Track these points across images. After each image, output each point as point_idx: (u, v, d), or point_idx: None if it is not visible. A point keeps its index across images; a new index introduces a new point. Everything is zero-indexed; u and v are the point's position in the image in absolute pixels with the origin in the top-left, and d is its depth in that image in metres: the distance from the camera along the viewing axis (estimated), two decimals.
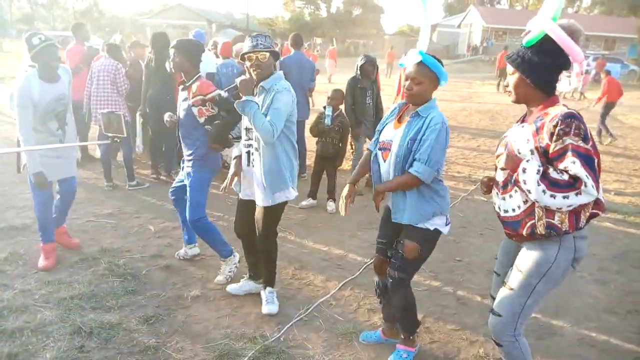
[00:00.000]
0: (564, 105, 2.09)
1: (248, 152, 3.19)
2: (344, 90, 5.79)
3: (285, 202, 3.21)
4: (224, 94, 3.61)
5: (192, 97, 3.52)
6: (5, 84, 15.21)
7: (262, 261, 3.35)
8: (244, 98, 2.95)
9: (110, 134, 3.98)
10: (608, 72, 10.57)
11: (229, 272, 3.73)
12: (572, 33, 2.05)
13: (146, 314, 3.20)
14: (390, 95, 10.72)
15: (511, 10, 48.94)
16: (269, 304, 3.32)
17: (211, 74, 6.05)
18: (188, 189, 3.62)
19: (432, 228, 2.60)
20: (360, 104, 5.91)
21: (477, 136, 10.28)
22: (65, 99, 3.73)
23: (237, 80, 3.03)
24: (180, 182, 3.81)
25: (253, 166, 3.16)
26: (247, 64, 3.03)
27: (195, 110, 3.54)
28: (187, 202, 3.61)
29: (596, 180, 1.94)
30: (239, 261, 3.82)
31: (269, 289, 3.37)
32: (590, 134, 2.02)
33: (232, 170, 3.33)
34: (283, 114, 2.95)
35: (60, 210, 4.05)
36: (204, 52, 3.77)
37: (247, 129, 3.16)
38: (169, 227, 4.68)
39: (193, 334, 3.06)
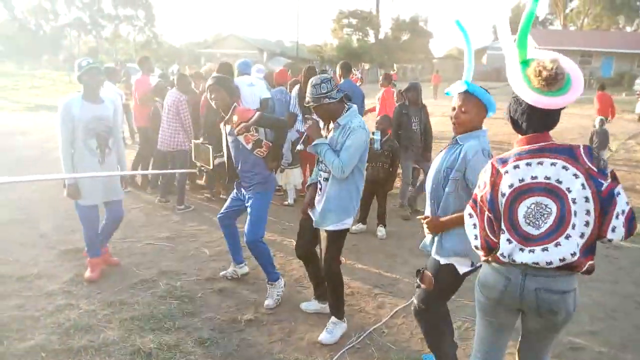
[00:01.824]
0: None
1: (319, 180, 3.28)
2: (397, 120, 5.91)
3: (347, 230, 3.26)
4: (264, 114, 3.76)
5: (236, 127, 3.64)
6: None
7: (328, 289, 3.39)
8: (314, 142, 3.12)
9: (198, 163, 4.13)
10: None
11: (277, 295, 3.78)
12: None
13: (202, 336, 3.27)
14: (441, 116, 10.60)
15: (564, 31, 47.64)
16: (326, 333, 3.32)
17: (266, 100, 6.22)
18: (250, 210, 3.73)
19: (445, 262, 2.52)
20: (406, 130, 5.94)
21: None
22: (106, 121, 3.92)
23: (305, 128, 3.22)
24: (231, 207, 3.96)
25: (323, 194, 3.24)
26: (314, 115, 3.26)
27: (242, 138, 3.66)
28: (248, 224, 3.72)
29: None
30: (284, 285, 3.88)
31: (333, 318, 3.36)
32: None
33: (307, 197, 3.42)
34: (355, 152, 3.04)
35: (104, 232, 4.27)
36: (232, 81, 3.93)
37: (320, 160, 3.27)
38: (223, 250, 4.78)
39: (246, 358, 3.10)
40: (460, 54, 55.03)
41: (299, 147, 3.56)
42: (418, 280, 2.64)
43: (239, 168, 3.76)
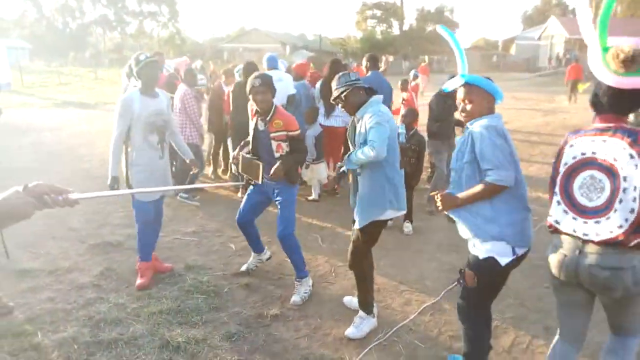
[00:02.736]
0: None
1: (355, 177, 3.28)
2: (429, 104, 5.81)
3: (381, 224, 3.24)
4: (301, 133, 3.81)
5: (275, 130, 3.63)
6: (99, 109, 16.54)
7: (356, 282, 3.38)
8: (343, 167, 3.21)
9: (245, 176, 3.98)
10: None
11: (305, 292, 3.76)
12: None
13: (229, 331, 3.29)
14: None
15: (596, 20, 46.24)
16: (354, 327, 3.30)
17: (292, 96, 6.21)
18: (280, 205, 3.75)
19: (484, 256, 2.47)
20: (445, 121, 5.86)
21: None
22: (164, 115, 3.88)
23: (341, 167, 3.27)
24: (249, 207, 3.95)
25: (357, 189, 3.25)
26: (340, 106, 3.28)
27: (274, 144, 3.65)
28: (280, 218, 3.74)
29: None
30: (312, 285, 3.87)
31: (361, 313, 3.35)
32: None
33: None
34: (380, 129, 3.00)
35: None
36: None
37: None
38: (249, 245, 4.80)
39: (273, 354, 3.10)
40: (488, 45, 54.16)
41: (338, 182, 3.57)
42: (460, 279, 2.60)
43: (265, 161, 3.74)
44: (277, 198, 3.77)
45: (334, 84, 3.25)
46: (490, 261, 2.47)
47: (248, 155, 3.80)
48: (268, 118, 3.66)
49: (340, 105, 3.26)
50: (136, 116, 3.71)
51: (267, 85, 3.59)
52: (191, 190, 6.22)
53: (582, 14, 2.20)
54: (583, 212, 2.13)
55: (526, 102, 17.73)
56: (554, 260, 2.26)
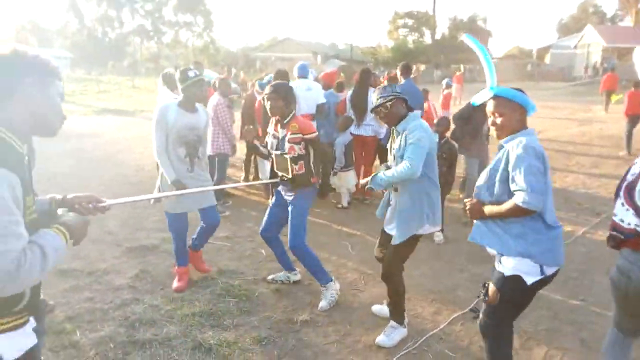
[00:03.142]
0: None
1: (395, 188, 3.29)
2: (461, 111, 5.82)
3: (417, 238, 3.23)
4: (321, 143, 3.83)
5: (292, 134, 3.70)
6: (136, 116, 17.04)
7: (388, 294, 3.39)
8: (372, 182, 3.20)
9: (279, 173, 4.03)
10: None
11: (331, 297, 3.79)
12: None
13: (259, 334, 3.34)
14: None
15: (636, 28, 44.86)
16: (385, 336, 3.31)
17: (322, 105, 6.28)
18: (290, 216, 3.78)
19: (509, 274, 2.41)
20: (476, 127, 5.81)
21: (599, 164, 9.45)
22: (197, 131, 3.89)
23: (366, 185, 3.29)
24: (271, 220, 3.97)
25: (394, 207, 3.27)
26: (377, 117, 3.34)
27: (287, 146, 3.71)
28: (289, 229, 3.78)
29: None
30: (339, 288, 3.89)
31: (393, 322, 3.36)
32: None
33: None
34: (417, 147, 3.01)
35: (199, 235, 4.20)
36: (292, 91, 3.86)
37: (389, 168, 3.29)
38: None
39: (303, 359, 3.13)
40: (522, 53, 53.26)
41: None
42: (483, 295, 2.55)
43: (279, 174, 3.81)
44: (290, 207, 3.80)
45: (377, 93, 3.24)
46: (516, 279, 2.40)
47: (278, 152, 3.82)
48: (285, 122, 3.73)
49: (379, 115, 3.25)
50: (170, 126, 3.76)
51: (277, 93, 3.67)
52: (220, 201, 6.27)
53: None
54: None
55: (562, 112, 17.34)
56: (616, 280, 2.45)
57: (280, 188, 3.92)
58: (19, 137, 1.52)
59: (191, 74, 3.80)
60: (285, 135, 3.73)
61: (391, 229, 3.29)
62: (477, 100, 2.66)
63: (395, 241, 3.21)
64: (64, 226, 1.58)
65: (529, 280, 2.39)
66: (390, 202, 3.33)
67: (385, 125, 6.69)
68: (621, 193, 2.47)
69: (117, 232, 5.36)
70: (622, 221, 2.41)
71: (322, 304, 3.76)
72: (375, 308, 3.73)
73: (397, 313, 3.35)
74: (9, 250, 1.35)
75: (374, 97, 3.35)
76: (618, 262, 2.45)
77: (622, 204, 2.43)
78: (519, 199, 2.28)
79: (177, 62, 49.78)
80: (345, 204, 6.44)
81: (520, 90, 2.51)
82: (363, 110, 6.23)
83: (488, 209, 2.47)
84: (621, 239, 2.40)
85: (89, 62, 49.12)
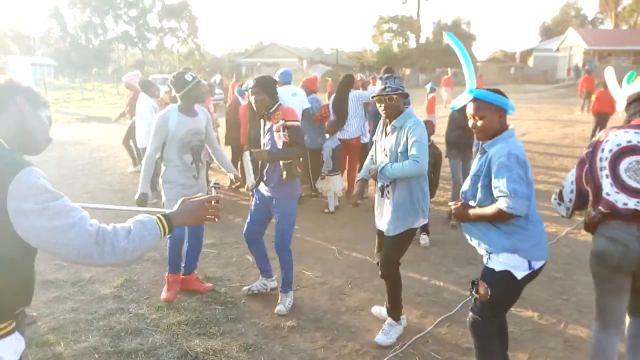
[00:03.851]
0: None
1: (382, 185, 3.32)
2: (450, 115, 5.94)
3: (413, 231, 3.31)
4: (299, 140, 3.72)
5: (276, 122, 3.66)
6: (121, 124, 16.83)
7: (387, 290, 3.41)
8: (379, 171, 3.20)
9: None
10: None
11: (289, 304, 3.80)
12: None
13: (246, 342, 3.33)
14: None
15: (616, 30, 45.73)
16: (382, 334, 3.35)
17: (307, 110, 6.34)
18: (279, 216, 3.76)
19: (500, 269, 2.46)
20: (465, 130, 5.87)
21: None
22: (200, 135, 3.82)
23: (369, 172, 3.30)
24: (255, 221, 3.90)
25: (387, 198, 3.29)
26: (378, 105, 3.26)
27: (276, 135, 3.66)
28: (279, 229, 3.78)
29: None
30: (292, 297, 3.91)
31: (390, 320, 3.40)
32: None
33: (357, 189, 3.51)
34: (423, 144, 3.07)
35: (188, 256, 4.07)
36: (276, 84, 3.84)
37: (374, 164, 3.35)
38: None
39: None
40: (506, 57, 53.90)
41: (363, 176, 3.49)
42: (473, 292, 2.58)
43: (267, 167, 3.74)
44: (276, 209, 3.77)
45: (382, 84, 3.23)
46: (506, 274, 2.45)
47: (287, 162, 3.73)
48: (271, 111, 3.68)
49: (381, 104, 3.21)
50: (171, 134, 3.67)
51: (260, 87, 3.63)
52: None
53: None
54: (634, 192, 2.34)
55: (545, 114, 17.56)
56: (609, 252, 2.41)
57: (262, 188, 3.82)
58: None
59: (188, 77, 3.72)
60: (272, 126, 3.68)
61: (386, 223, 3.29)
62: (456, 104, 2.71)
63: (390, 233, 3.26)
64: (167, 215, 1.66)
65: (519, 275, 2.45)
66: (384, 197, 3.33)
67: (368, 127, 6.77)
68: (607, 172, 2.44)
69: None
70: (616, 202, 2.38)
71: (280, 308, 3.74)
72: (376, 309, 3.74)
73: (395, 310, 3.39)
74: (83, 218, 1.48)
75: (378, 85, 3.29)
76: (606, 234, 2.43)
77: (611, 184, 2.41)
78: (502, 204, 2.33)
79: (162, 68, 49.53)
80: (332, 208, 6.45)
81: (499, 91, 2.54)
82: (344, 114, 6.35)
83: (473, 212, 2.52)
84: (608, 213, 2.40)
85: (73, 69, 48.64)
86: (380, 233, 3.46)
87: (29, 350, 3.13)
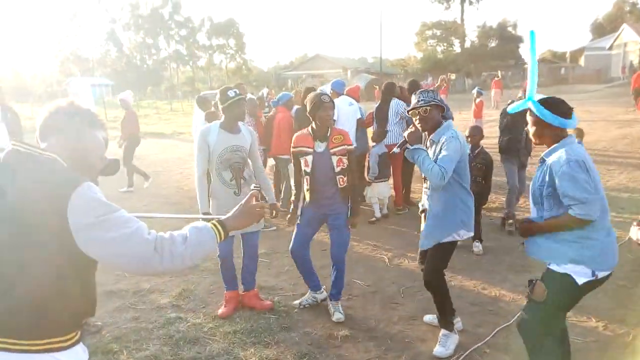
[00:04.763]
0: None
1: (425, 200, 3.34)
2: (500, 117, 5.91)
3: (454, 244, 3.27)
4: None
5: (335, 146, 3.65)
6: (175, 138, 17.52)
7: (434, 301, 3.39)
8: (413, 146, 3.12)
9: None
10: None
11: (343, 310, 3.84)
12: None
13: (300, 351, 3.36)
14: None
15: None
16: (440, 346, 3.31)
17: (361, 119, 6.43)
18: (338, 229, 3.79)
19: (561, 272, 2.40)
20: (514, 135, 5.75)
21: None
22: (242, 152, 3.76)
23: (405, 134, 3.21)
24: (303, 236, 3.89)
25: (428, 213, 3.30)
26: (414, 118, 3.26)
27: (335, 159, 3.65)
28: (338, 243, 3.83)
29: None
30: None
31: (444, 331, 3.36)
32: None
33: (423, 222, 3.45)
34: (452, 158, 3.03)
35: (246, 270, 4.04)
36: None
37: (424, 178, 3.33)
38: (317, 265, 4.87)
39: None
40: (555, 57, 52.03)
41: (395, 150, 3.48)
42: (528, 291, 2.53)
43: (320, 189, 3.71)
44: (335, 222, 3.78)
45: (417, 96, 3.23)
46: (567, 278, 2.39)
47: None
48: (328, 134, 3.67)
49: (416, 117, 3.22)
50: (211, 150, 3.69)
51: (333, 102, 3.67)
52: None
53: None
54: None
55: (599, 115, 16.80)
56: None
57: (313, 208, 3.78)
58: None
59: (231, 93, 3.73)
60: (328, 149, 3.65)
61: (427, 240, 3.29)
62: (513, 108, 2.71)
63: (428, 245, 3.24)
64: (221, 221, 1.72)
65: (580, 280, 2.38)
66: (426, 211, 3.34)
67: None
68: None
69: None
70: None
71: (339, 315, 3.77)
72: (427, 318, 3.71)
73: (446, 321, 3.35)
74: (140, 228, 1.53)
75: (413, 99, 3.30)
76: None
77: None
78: (574, 211, 2.32)
79: (211, 84, 51.04)
80: (378, 215, 6.41)
81: (555, 103, 2.48)
82: (384, 121, 6.42)
83: (544, 224, 2.49)
84: None
85: (129, 88, 50.75)
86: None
87: (95, 358, 3.29)
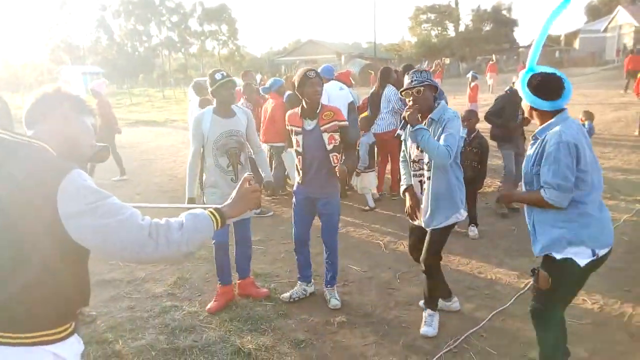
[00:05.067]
0: None
1: (420, 182, 3.27)
2: (491, 109, 5.85)
3: (454, 225, 3.26)
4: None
5: (326, 122, 3.55)
6: (168, 126, 17.38)
7: (427, 284, 3.36)
8: (416, 127, 3.05)
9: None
10: None
11: (338, 296, 3.82)
12: None
13: (297, 338, 3.34)
14: None
15: None
16: (426, 326, 3.32)
17: (352, 103, 6.28)
18: (328, 214, 3.74)
19: (561, 257, 2.38)
20: (508, 119, 5.73)
21: (637, 149, 9.12)
22: (237, 136, 3.67)
23: (405, 114, 3.13)
24: (304, 227, 3.86)
25: (428, 193, 3.22)
26: (407, 99, 3.19)
27: (326, 136, 3.56)
28: (328, 228, 3.78)
29: None
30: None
31: (428, 310, 3.36)
32: None
33: (409, 201, 3.37)
34: (456, 137, 3.02)
35: (240, 257, 3.99)
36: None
37: (414, 161, 3.26)
38: (314, 252, 4.85)
39: None
40: (550, 41, 51.78)
41: (399, 132, 3.30)
42: (533, 281, 2.53)
43: (312, 169, 3.64)
44: (324, 207, 3.71)
45: (408, 79, 3.17)
46: (568, 262, 2.37)
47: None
48: (318, 111, 3.58)
49: (409, 97, 3.14)
50: (206, 136, 3.61)
51: (319, 77, 3.54)
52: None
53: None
54: None
55: (594, 98, 16.78)
56: None
57: (304, 190, 3.74)
58: None
59: (218, 76, 3.62)
60: (318, 127, 3.57)
61: (426, 217, 3.23)
62: (518, 87, 2.64)
63: (432, 226, 3.20)
64: (219, 209, 1.68)
65: (581, 262, 2.37)
66: (423, 192, 3.26)
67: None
68: None
69: None
70: None
71: (335, 302, 3.76)
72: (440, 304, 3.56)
73: (433, 299, 3.37)
74: (133, 214, 1.50)
75: (406, 80, 3.22)
76: None
77: None
78: (545, 194, 2.34)
79: (203, 71, 50.65)
80: (371, 204, 6.37)
81: (547, 81, 2.42)
82: (377, 108, 6.35)
83: (519, 195, 2.60)
84: None
85: (121, 76, 50.40)
86: (415, 230, 3.41)
87: (90, 347, 3.27)
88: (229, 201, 1.74)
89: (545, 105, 2.41)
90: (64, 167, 1.47)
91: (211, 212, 1.65)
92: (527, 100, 2.46)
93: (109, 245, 1.46)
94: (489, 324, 3.44)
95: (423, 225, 3.30)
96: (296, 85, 3.56)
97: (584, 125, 5.48)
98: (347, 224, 5.70)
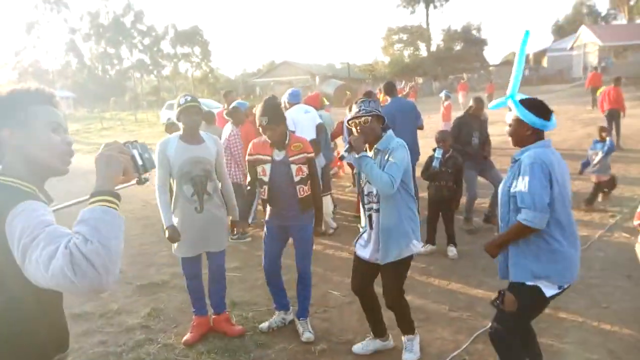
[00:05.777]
0: None
1: (369, 215, 3.15)
2: (453, 124, 6.04)
3: (411, 257, 3.14)
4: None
5: (294, 154, 3.50)
6: None
7: (396, 318, 3.28)
8: (359, 154, 2.96)
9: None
10: None
11: (310, 331, 3.67)
12: None
13: None
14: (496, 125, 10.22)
15: (630, 25, 44.92)
16: (407, 352, 3.25)
17: (321, 125, 6.23)
18: (301, 241, 3.67)
19: (530, 283, 2.44)
20: (464, 143, 5.80)
21: None
22: (204, 164, 3.48)
23: (350, 140, 3.02)
24: (275, 254, 3.74)
25: (376, 227, 3.10)
26: (354, 128, 3.08)
27: (294, 168, 3.50)
28: (302, 256, 3.70)
29: None
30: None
31: (408, 336, 3.29)
32: None
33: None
34: (400, 167, 2.92)
35: (213, 292, 3.78)
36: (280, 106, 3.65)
37: (366, 194, 3.15)
38: (291, 279, 4.76)
39: None
40: None
41: (343, 153, 3.13)
42: (498, 302, 2.53)
43: (280, 198, 3.56)
44: (298, 235, 3.65)
45: (356, 108, 3.07)
46: (535, 289, 2.43)
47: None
48: (286, 142, 3.52)
49: (357, 127, 3.04)
50: (171, 162, 3.44)
51: (274, 122, 3.40)
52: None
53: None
54: None
55: (564, 115, 17.24)
56: None
57: (275, 220, 3.66)
58: (27, 182, 1.44)
59: (181, 100, 3.47)
60: (287, 157, 3.52)
61: (375, 252, 3.11)
62: (494, 105, 2.74)
63: (391, 260, 3.05)
64: (96, 191, 1.38)
65: (548, 293, 2.44)
66: (367, 226, 3.16)
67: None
68: None
69: (127, 270, 5.30)
70: None
71: (309, 335, 3.61)
72: (357, 347, 3.44)
73: (410, 326, 3.30)
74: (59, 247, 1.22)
75: (354, 109, 3.12)
76: None
77: None
78: (522, 215, 2.36)
79: (176, 93, 50.35)
80: (334, 225, 6.29)
81: (540, 103, 2.50)
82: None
83: (499, 240, 2.54)
84: None
85: (91, 100, 49.76)
86: (360, 260, 3.26)
87: None
88: (97, 176, 1.43)
89: (538, 123, 2.45)
90: (10, 200, 1.31)
91: (93, 202, 1.36)
92: (524, 118, 2.46)
93: (47, 281, 1.23)
94: (472, 347, 3.41)
95: (378, 261, 3.12)
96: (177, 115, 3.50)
97: (604, 142, 5.71)
98: (327, 247, 5.64)
